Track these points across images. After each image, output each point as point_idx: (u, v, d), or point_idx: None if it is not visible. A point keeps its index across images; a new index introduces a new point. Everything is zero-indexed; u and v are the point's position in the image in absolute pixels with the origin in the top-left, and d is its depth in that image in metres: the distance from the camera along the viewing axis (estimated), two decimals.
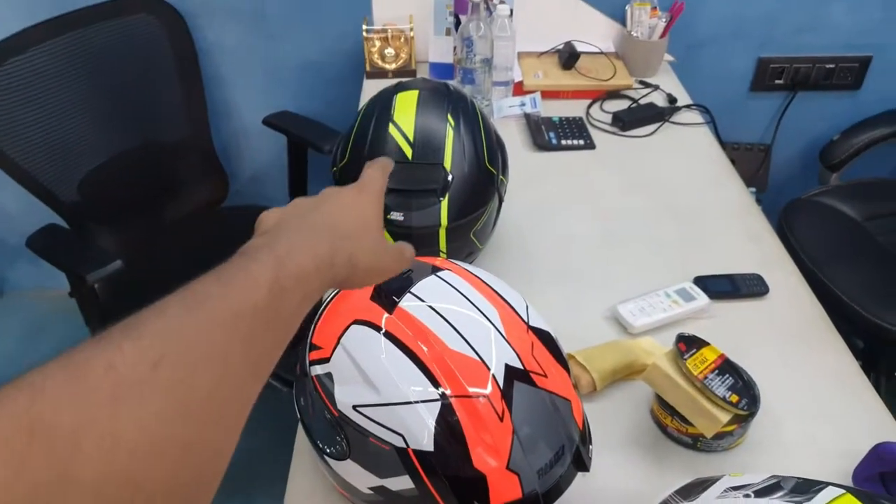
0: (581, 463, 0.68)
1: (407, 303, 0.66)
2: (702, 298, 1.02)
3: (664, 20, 1.57)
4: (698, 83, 1.66)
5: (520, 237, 1.16)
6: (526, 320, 0.69)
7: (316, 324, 0.71)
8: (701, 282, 1.06)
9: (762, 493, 0.53)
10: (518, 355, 0.66)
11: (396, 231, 0.95)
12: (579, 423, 0.69)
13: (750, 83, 1.81)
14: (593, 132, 1.44)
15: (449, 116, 0.98)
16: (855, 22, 1.71)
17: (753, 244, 1.17)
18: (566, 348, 0.73)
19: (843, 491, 0.51)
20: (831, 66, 1.76)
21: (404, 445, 0.62)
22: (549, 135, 1.41)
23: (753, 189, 1.92)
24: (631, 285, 1.05)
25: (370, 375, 0.63)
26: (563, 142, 1.40)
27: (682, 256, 1.12)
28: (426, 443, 0.62)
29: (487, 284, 0.71)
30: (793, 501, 0.51)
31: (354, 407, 0.64)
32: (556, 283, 1.07)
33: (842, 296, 1.52)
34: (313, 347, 0.70)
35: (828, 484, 0.53)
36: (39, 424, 0.27)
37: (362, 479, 0.66)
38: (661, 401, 0.85)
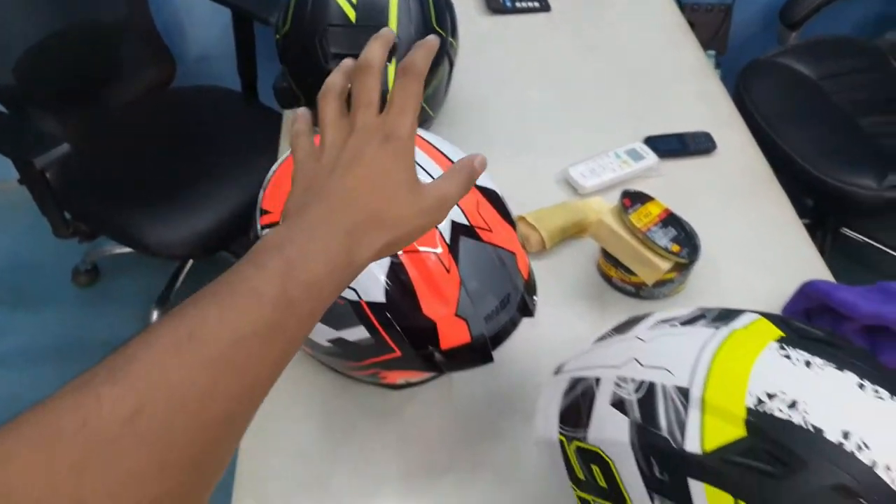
0: (526, 310, 0.72)
1: None
2: (650, 157, 1.04)
3: None
4: None
5: (474, 105, 1.16)
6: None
7: (265, 189, 0.72)
8: (651, 142, 1.07)
9: (687, 322, 0.58)
10: (464, 212, 0.68)
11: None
12: (524, 274, 0.73)
13: None
14: None
15: None
16: None
17: (704, 104, 1.18)
18: (520, 212, 0.76)
19: (759, 315, 0.56)
20: None
21: (357, 299, 0.65)
22: None
23: (713, 52, 1.90)
24: (583, 148, 1.06)
25: None
26: (518, 4, 1.36)
27: (634, 118, 1.13)
28: (378, 295, 0.65)
29: (434, 146, 0.72)
30: (713, 326, 0.55)
31: None
32: (510, 150, 1.08)
33: (792, 154, 1.56)
34: (263, 212, 0.71)
35: (746, 311, 0.57)
36: (8, 494, 0.27)
37: (321, 332, 0.69)
38: (606, 254, 0.89)
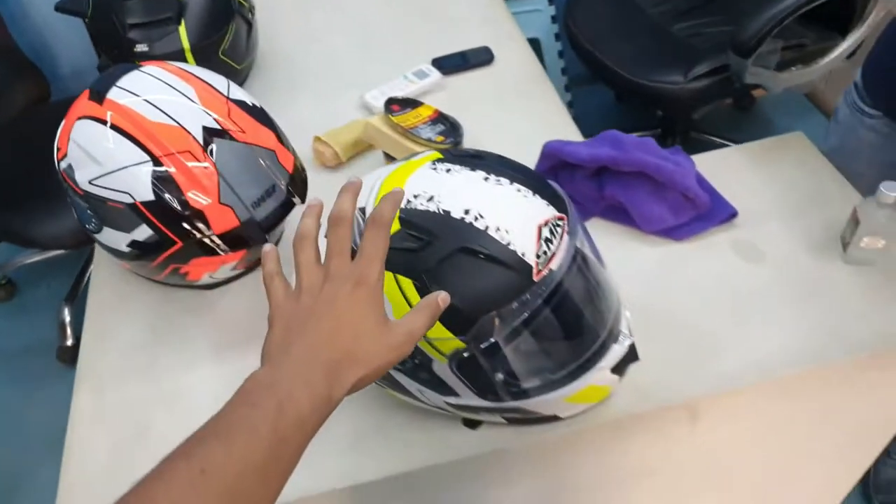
0: (297, 193, 0.87)
1: (112, 94, 0.81)
2: (434, 75, 1.20)
3: None
4: None
5: (287, 56, 1.31)
6: (225, 94, 0.85)
7: (60, 130, 0.86)
8: (436, 62, 1.23)
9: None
10: (215, 118, 0.82)
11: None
12: (289, 169, 0.87)
13: None
14: None
15: None
16: None
17: (489, 26, 1.33)
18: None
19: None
20: None
21: (132, 201, 0.79)
22: None
23: None
24: (380, 78, 1.21)
25: (93, 153, 0.79)
26: None
27: (425, 46, 1.28)
28: (147, 195, 0.79)
29: (190, 73, 0.86)
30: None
31: (90, 181, 0.80)
32: (317, 90, 1.23)
33: (613, 67, 1.74)
34: (57, 150, 0.85)
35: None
36: None
37: (120, 239, 0.83)
38: (385, 155, 1.04)
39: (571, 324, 0.68)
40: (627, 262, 0.89)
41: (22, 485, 1.68)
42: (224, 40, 1.13)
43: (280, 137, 0.89)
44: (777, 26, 1.52)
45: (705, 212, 0.92)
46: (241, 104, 0.86)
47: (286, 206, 0.87)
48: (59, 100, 1.86)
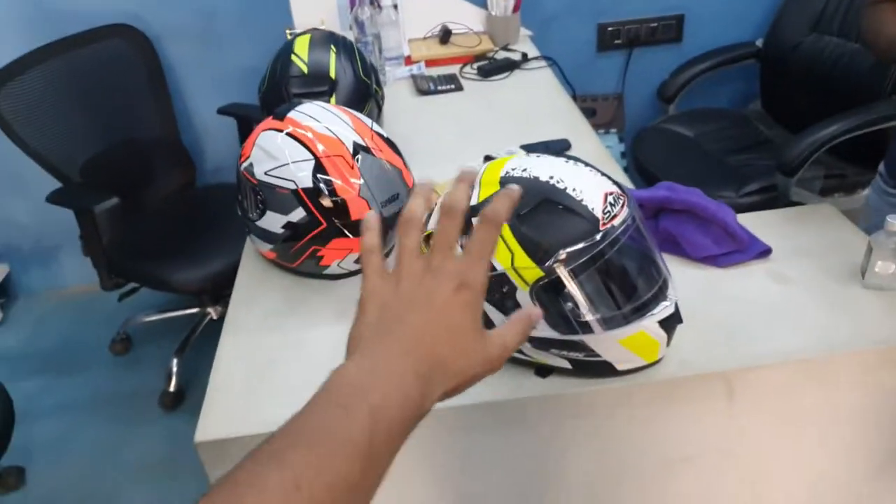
0: None
1: (291, 115, 1.11)
2: (521, 154, 1.48)
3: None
4: (555, 49, 2.16)
5: (402, 138, 1.62)
6: (370, 126, 1.14)
7: (245, 144, 1.16)
8: (524, 146, 1.52)
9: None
10: (362, 138, 1.10)
11: None
12: (409, 184, 1.13)
13: (595, 45, 2.32)
14: (463, 81, 1.93)
15: (332, 46, 1.45)
16: None
17: (566, 124, 1.63)
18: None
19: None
20: (654, 24, 2.29)
21: (296, 187, 1.06)
22: (429, 85, 1.89)
23: (614, 130, 2.41)
24: (480, 156, 1.50)
25: (272, 152, 1.08)
26: (439, 87, 1.88)
27: (515, 137, 1.57)
28: (307, 183, 1.05)
29: (347, 110, 1.16)
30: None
31: (265, 172, 1.08)
32: (424, 164, 1.52)
33: None
34: (241, 156, 1.14)
35: None
36: None
37: (276, 221, 1.09)
38: None
39: (626, 270, 0.87)
40: (679, 279, 1.06)
41: None
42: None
43: (405, 163, 1.16)
44: (817, 150, 1.76)
45: (743, 247, 1.11)
46: (380, 135, 1.15)
47: None
48: (202, 185, 2.26)
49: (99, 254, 1.82)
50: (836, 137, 1.76)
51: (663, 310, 0.87)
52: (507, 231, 0.83)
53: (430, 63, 2.04)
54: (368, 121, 1.16)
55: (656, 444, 0.98)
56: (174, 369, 2.07)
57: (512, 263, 0.83)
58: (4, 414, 1.47)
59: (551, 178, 0.85)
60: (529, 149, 1.50)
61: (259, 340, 1.05)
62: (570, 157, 0.90)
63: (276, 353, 1.02)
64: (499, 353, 0.50)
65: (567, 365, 0.90)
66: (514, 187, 0.53)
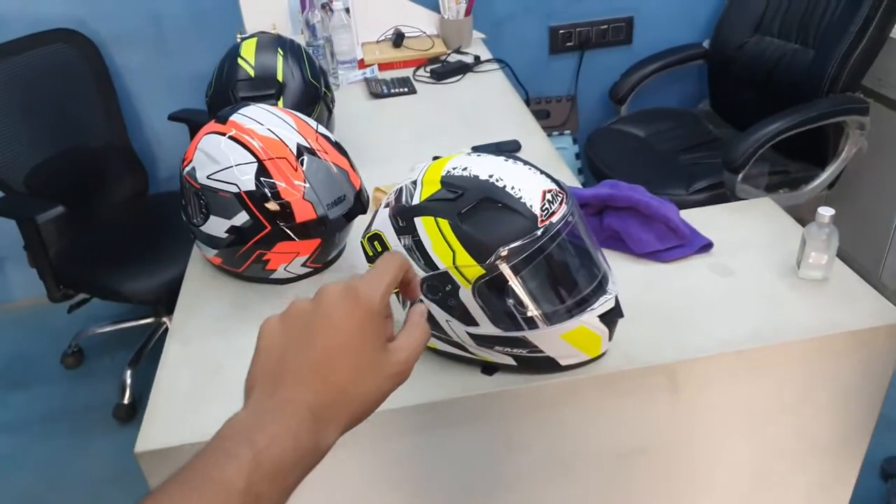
0: (358, 210, 1.11)
1: (233, 118, 1.10)
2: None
3: (465, 2, 2.10)
4: (507, 52, 2.18)
5: (355, 140, 1.61)
6: (315, 128, 1.14)
7: (188, 148, 1.14)
8: (475, 148, 1.52)
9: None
10: (306, 140, 1.10)
11: None
12: (356, 186, 1.13)
13: (548, 48, 2.35)
14: (417, 85, 1.93)
15: (279, 49, 1.44)
16: None
17: (520, 128, 1.64)
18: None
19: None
20: (605, 26, 2.33)
21: (238, 190, 1.05)
22: (382, 88, 1.89)
23: (568, 131, 2.43)
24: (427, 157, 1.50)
25: (214, 155, 1.07)
26: (392, 90, 1.88)
27: (467, 139, 1.59)
28: (250, 186, 1.04)
29: (291, 111, 1.15)
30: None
31: (207, 176, 1.06)
32: (378, 165, 1.52)
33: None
34: (183, 160, 1.12)
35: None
36: None
37: (220, 226, 1.08)
38: None
39: (566, 266, 0.88)
40: (623, 274, 1.08)
41: None
42: (310, 118, 1.44)
43: (352, 164, 1.16)
44: (760, 148, 1.81)
45: (685, 242, 1.13)
46: (325, 137, 1.14)
47: (350, 214, 1.11)
48: (154, 193, 2.22)
49: (45, 265, 1.77)
50: (778, 135, 1.81)
51: (603, 304, 0.88)
52: (448, 230, 0.83)
53: (384, 66, 2.04)
54: (313, 123, 1.16)
55: (605, 437, 1.00)
56: (128, 381, 2.03)
57: (454, 262, 0.83)
58: None
59: (491, 176, 0.85)
60: (480, 150, 1.51)
61: (205, 347, 1.03)
62: (510, 156, 0.91)
63: (223, 360, 1.01)
64: (405, 363, 0.48)
65: (512, 362, 0.91)
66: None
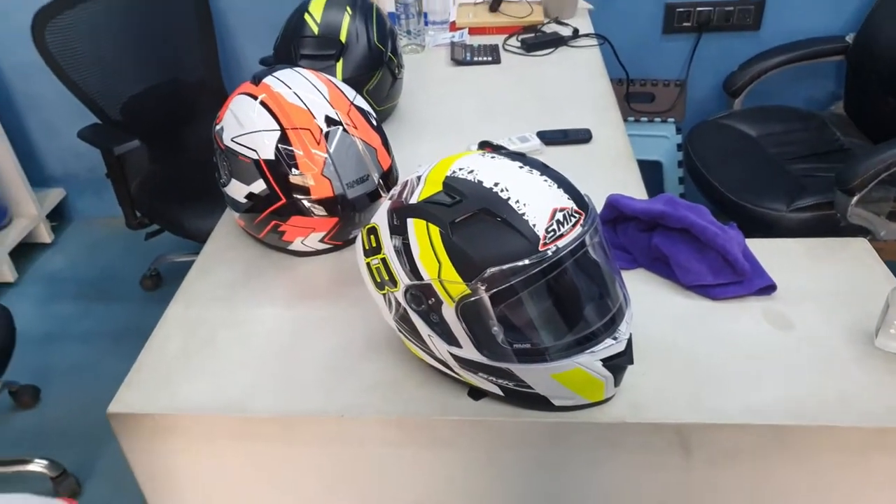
0: (385, 189, 1.04)
1: (267, 80, 1.05)
2: (535, 141, 1.37)
3: None
4: (616, 28, 1.99)
5: (418, 111, 1.54)
6: (351, 100, 1.07)
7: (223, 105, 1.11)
8: (540, 133, 1.40)
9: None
10: (337, 113, 1.03)
11: None
12: (384, 166, 1.06)
13: (661, 26, 2.12)
14: (504, 54, 1.81)
15: (348, 7, 1.37)
16: None
17: (596, 115, 1.49)
18: None
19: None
20: (730, 8, 2.07)
21: (257, 157, 1.00)
22: (466, 55, 1.78)
23: (673, 119, 2.22)
24: (489, 137, 1.40)
25: (240, 118, 1.03)
26: (476, 58, 1.77)
27: (536, 120, 1.46)
28: (269, 154, 1.00)
29: (330, 79, 1.09)
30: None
31: (232, 139, 1.03)
32: (436, 139, 1.44)
33: (719, 187, 1.82)
34: (217, 118, 1.09)
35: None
36: None
37: (240, 191, 1.04)
38: None
39: (566, 298, 0.77)
40: (660, 305, 0.96)
41: None
42: (370, 82, 1.38)
43: (385, 143, 1.08)
44: (888, 170, 1.55)
45: (743, 279, 0.98)
46: (360, 109, 1.07)
47: (373, 195, 1.04)
48: None
49: (123, 193, 1.84)
50: None
51: (608, 347, 0.77)
52: (437, 239, 0.75)
53: (475, 31, 1.92)
54: (351, 93, 1.09)
55: (601, 490, 0.89)
56: None
57: (439, 274, 0.75)
58: (4, 334, 1.52)
59: (496, 185, 0.75)
60: (545, 136, 1.39)
61: (204, 314, 1.02)
62: (529, 162, 0.80)
63: (217, 330, 0.98)
64: None
65: (498, 391, 0.82)
66: None
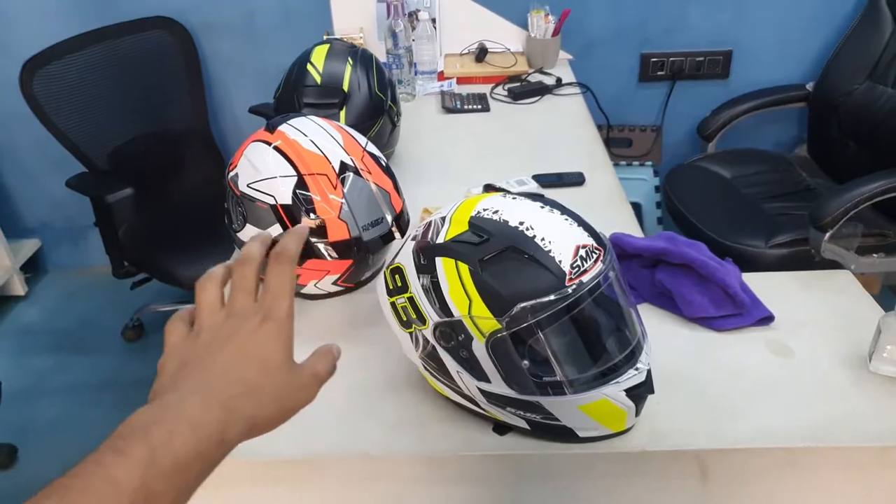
0: (395, 233, 1.07)
1: (282, 128, 1.09)
2: (532, 184, 1.42)
3: (554, 22, 2.03)
4: (595, 76, 2.09)
5: (417, 157, 1.59)
6: (363, 146, 1.11)
7: (236, 152, 1.14)
8: (536, 176, 1.46)
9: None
10: (351, 158, 1.07)
11: None
12: (396, 209, 1.09)
13: (637, 75, 2.24)
14: (492, 102, 1.88)
15: (349, 58, 1.43)
16: (710, 24, 2.15)
17: (587, 160, 1.56)
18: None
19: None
20: (701, 58, 2.19)
21: (275, 202, 1.03)
22: (456, 103, 1.85)
23: (650, 162, 2.31)
24: (487, 181, 1.45)
25: (256, 164, 1.05)
26: (466, 106, 1.84)
27: (530, 164, 1.52)
28: (287, 199, 1.02)
29: (342, 127, 1.13)
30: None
31: (248, 185, 1.05)
32: (435, 184, 1.48)
33: (699, 226, 1.90)
34: (229, 164, 1.12)
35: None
36: None
37: (253, 234, 1.06)
38: None
39: (591, 332, 0.81)
40: (667, 339, 1.00)
41: None
42: (372, 129, 1.42)
43: (396, 186, 1.12)
44: (856, 207, 1.65)
45: (744, 311, 1.03)
46: (372, 156, 1.11)
47: (387, 237, 1.08)
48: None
49: (111, 241, 1.84)
50: (879, 195, 1.65)
51: (630, 378, 0.80)
52: (467, 276, 0.78)
53: (462, 80, 2.00)
54: (363, 140, 1.13)
55: None
56: None
57: (469, 311, 0.78)
58: None
59: (521, 223, 0.79)
60: (541, 179, 1.45)
61: None
62: (548, 203, 0.85)
63: None
64: (313, 381, 0.49)
65: (525, 425, 0.84)
66: (303, 226, 0.57)
